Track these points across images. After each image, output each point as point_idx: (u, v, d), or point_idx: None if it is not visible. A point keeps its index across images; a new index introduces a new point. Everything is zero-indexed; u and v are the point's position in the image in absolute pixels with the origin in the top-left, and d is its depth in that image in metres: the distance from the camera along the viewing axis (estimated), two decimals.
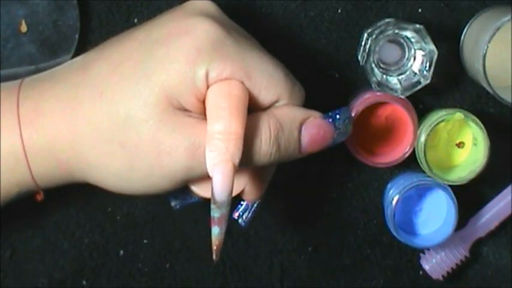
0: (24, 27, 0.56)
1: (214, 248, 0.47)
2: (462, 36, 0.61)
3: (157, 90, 0.45)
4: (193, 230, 0.64)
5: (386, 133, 0.62)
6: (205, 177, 0.47)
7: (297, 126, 0.48)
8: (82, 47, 0.57)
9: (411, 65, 0.57)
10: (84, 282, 0.63)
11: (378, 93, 0.58)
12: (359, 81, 0.57)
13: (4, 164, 0.47)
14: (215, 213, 0.45)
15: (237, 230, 0.63)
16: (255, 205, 0.55)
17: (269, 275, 0.65)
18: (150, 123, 0.45)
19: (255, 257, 0.65)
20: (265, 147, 0.47)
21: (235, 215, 0.55)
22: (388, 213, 0.61)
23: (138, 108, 0.45)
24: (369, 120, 0.62)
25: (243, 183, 0.51)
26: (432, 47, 0.55)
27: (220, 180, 0.44)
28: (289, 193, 0.65)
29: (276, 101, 0.48)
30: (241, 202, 0.55)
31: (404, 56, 0.57)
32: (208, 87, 0.46)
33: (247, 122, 0.46)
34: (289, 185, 0.64)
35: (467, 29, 0.61)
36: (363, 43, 0.57)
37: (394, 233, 0.61)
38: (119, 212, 0.63)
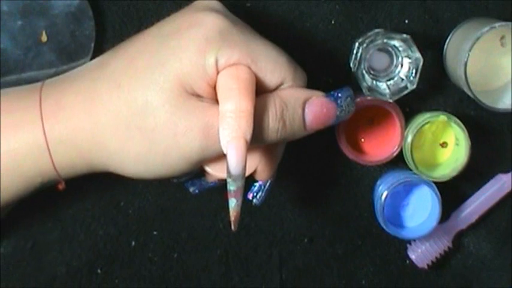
0: (44, 37, 0.57)
1: (232, 219, 0.47)
2: (445, 45, 0.63)
3: (172, 78, 0.46)
4: (199, 223, 0.65)
5: (376, 134, 0.63)
6: (219, 158, 0.49)
7: (301, 104, 0.49)
8: (97, 55, 0.55)
9: (399, 72, 0.58)
10: (98, 271, 0.64)
11: (369, 98, 0.59)
12: (351, 86, 0.55)
13: (28, 155, 0.48)
14: (231, 186, 0.46)
15: (239, 222, 0.53)
16: (267, 184, 0.55)
17: (268, 263, 0.65)
18: (166, 107, 0.46)
19: (256, 247, 0.65)
20: (272, 124, 0.48)
21: (250, 196, 0.56)
22: (378, 207, 0.62)
23: (154, 94, 0.46)
24: (360, 122, 0.63)
25: (255, 163, 0.52)
26: (418, 55, 0.56)
27: (235, 155, 0.45)
28: (286, 189, 0.65)
29: (281, 84, 0.49)
30: (255, 184, 0.55)
31: (392, 63, 0.58)
32: (218, 73, 0.47)
33: (255, 102, 0.47)
34: (287, 182, 0.64)
35: (449, 39, 0.62)
36: (355, 51, 0.58)
37: (383, 226, 0.62)
38: (131, 206, 0.64)
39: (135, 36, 0.51)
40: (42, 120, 0.48)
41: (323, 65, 0.62)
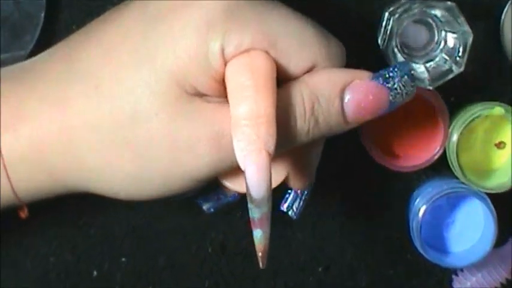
0: None
1: (260, 254, 0.45)
2: (502, 15, 0.61)
3: (165, 76, 0.44)
4: (181, 245, 0.64)
5: (412, 132, 0.62)
6: (238, 169, 0.47)
7: (337, 93, 0.46)
8: (49, 28, 0.57)
9: (441, 50, 0.57)
10: None
11: None
12: (379, 68, 0.55)
13: None
14: (254, 213, 0.44)
15: (233, 245, 0.63)
16: (305, 194, 0.54)
17: None
18: (162, 116, 0.44)
19: (255, 277, 0.65)
20: (300, 125, 0.46)
21: (284, 206, 0.55)
22: (414, 226, 0.61)
23: (145, 101, 0.44)
24: (390, 117, 0.57)
25: (284, 171, 0.50)
26: (466, 28, 0.55)
27: (255, 174, 0.43)
28: None
29: (312, 67, 0.47)
30: (289, 190, 0.54)
31: (432, 39, 0.57)
32: (225, 64, 0.45)
33: (277, 96, 0.45)
34: None
35: (508, 7, 0.61)
36: (384, 24, 0.56)
37: (421, 250, 0.61)
38: (93, 224, 0.63)
39: (110, 16, 0.48)
40: None
41: (344, 42, 0.56)
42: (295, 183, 0.52)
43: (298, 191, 0.55)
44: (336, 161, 0.63)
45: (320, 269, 0.65)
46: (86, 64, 0.46)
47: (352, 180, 0.64)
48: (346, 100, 0.47)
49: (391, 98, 0.47)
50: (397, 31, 0.55)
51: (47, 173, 0.47)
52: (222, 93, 0.45)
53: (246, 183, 0.44)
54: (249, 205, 0.44)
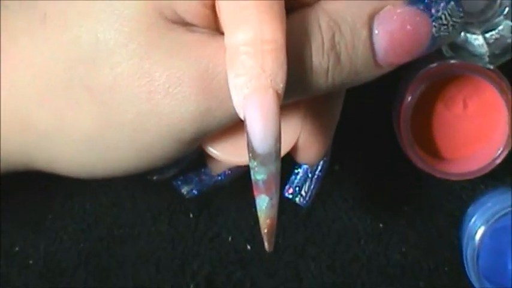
0: None
1: (265, 231, 0.40)
2: None
3: None
4: (153, 280, 0.61)
5: (465, 127, 0.60)
6: (231, 130, 0.44)
7: (365, 21, 0.43)
8: None
9: (505, 16, 0.55)
10: None
11: (452, 61, 0.56)
12: None
13: None
14: (258, 174, 0.40)
15: (223, 279, 0.61)
16: (318, 170, 0.52)
17: None
18: (132, 48, 0.41)
19: None
20: (317, 60, 0.42)
21: (289, 191, 0.52)
22: (469, 254, 0.59)
23: (109, 28, 0.41)
24: (437, 107, 0.59)
25: (294, 134, 0.47)
26: None
27: (259, 119, 0.39)
28: (307, 221, 0.62)
29: None
30: (295, 171, 0.52)
31: (494, 2, 0.55)
32: None
33: (286, 26, 0.41)
34: (308, 209, 0.61)
35: None
36: None
37: (477, 286, 0.59)
38: (33, 251, 0.61)
39: None
40: None
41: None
42: (305, 155, 0.48)
43: (308, 169, 0.53)
44: (363, 167, 0.62)
45: None
46: None
47: (386, 193, 0.62)
48: (376, 31, 0.42)
49: (434, 30, 0.43)
50: None
51: None
52: (212, 23, 0.42)
53: (248, 134, 0.39)
54: (252, 164, 0.40)
